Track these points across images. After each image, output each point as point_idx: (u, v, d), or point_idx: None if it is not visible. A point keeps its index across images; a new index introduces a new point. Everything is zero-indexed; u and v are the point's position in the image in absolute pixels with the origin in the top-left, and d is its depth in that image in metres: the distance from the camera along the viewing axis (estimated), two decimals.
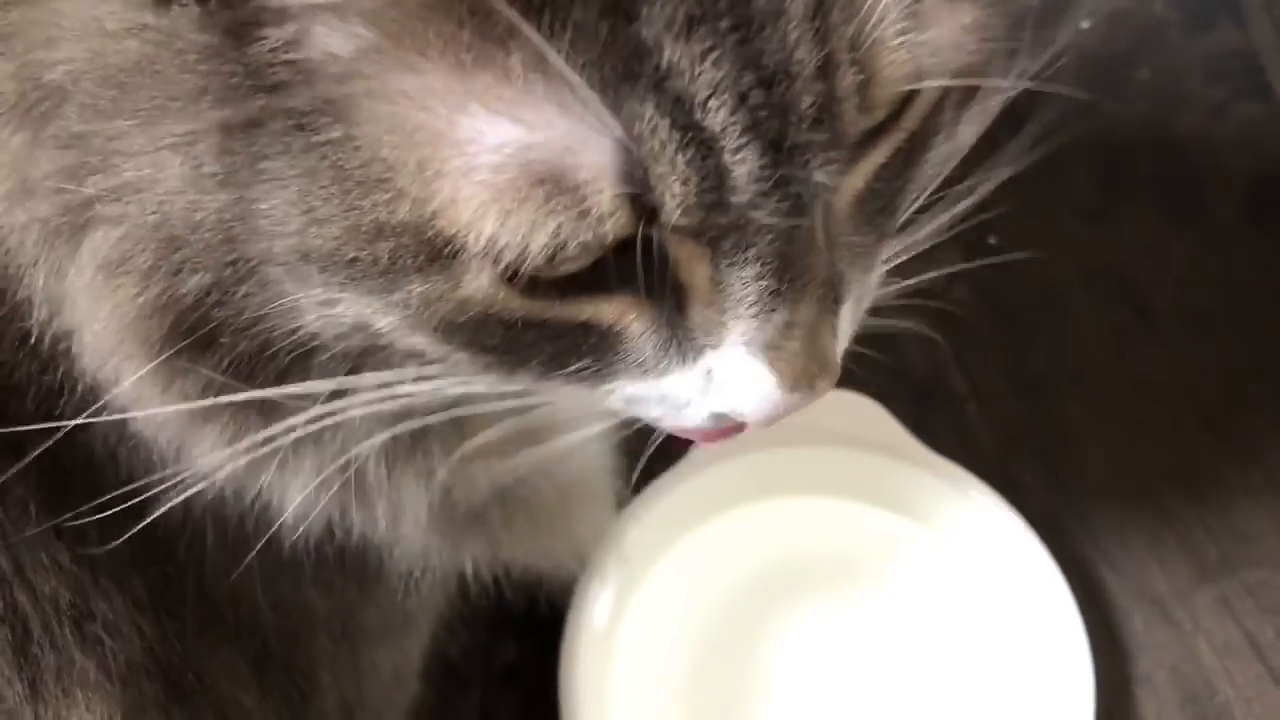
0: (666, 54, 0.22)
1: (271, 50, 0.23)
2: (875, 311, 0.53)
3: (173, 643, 0.34)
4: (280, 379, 0.28)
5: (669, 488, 0.47)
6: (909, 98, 0.26)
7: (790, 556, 0.48)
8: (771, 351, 0.26)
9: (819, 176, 0.24)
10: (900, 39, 0.24)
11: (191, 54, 0.23)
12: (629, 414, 0.29)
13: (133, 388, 0.27)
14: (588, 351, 0.27)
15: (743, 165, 0.23)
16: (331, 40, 0.22)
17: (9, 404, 0.30)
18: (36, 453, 0.29)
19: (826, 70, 0.23)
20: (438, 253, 0.24)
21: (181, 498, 0.29)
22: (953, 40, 0.26)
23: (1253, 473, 0.50)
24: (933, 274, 0.46)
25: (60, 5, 0.24)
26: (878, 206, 0.28)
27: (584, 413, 0.31)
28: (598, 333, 0.26)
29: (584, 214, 0.23)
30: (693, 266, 0.25)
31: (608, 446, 0.41)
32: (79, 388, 0.29)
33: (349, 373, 0.28)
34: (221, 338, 0.27)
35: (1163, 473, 0.50)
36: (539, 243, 0.23)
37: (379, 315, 0.25)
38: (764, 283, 0.25)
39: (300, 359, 0.28)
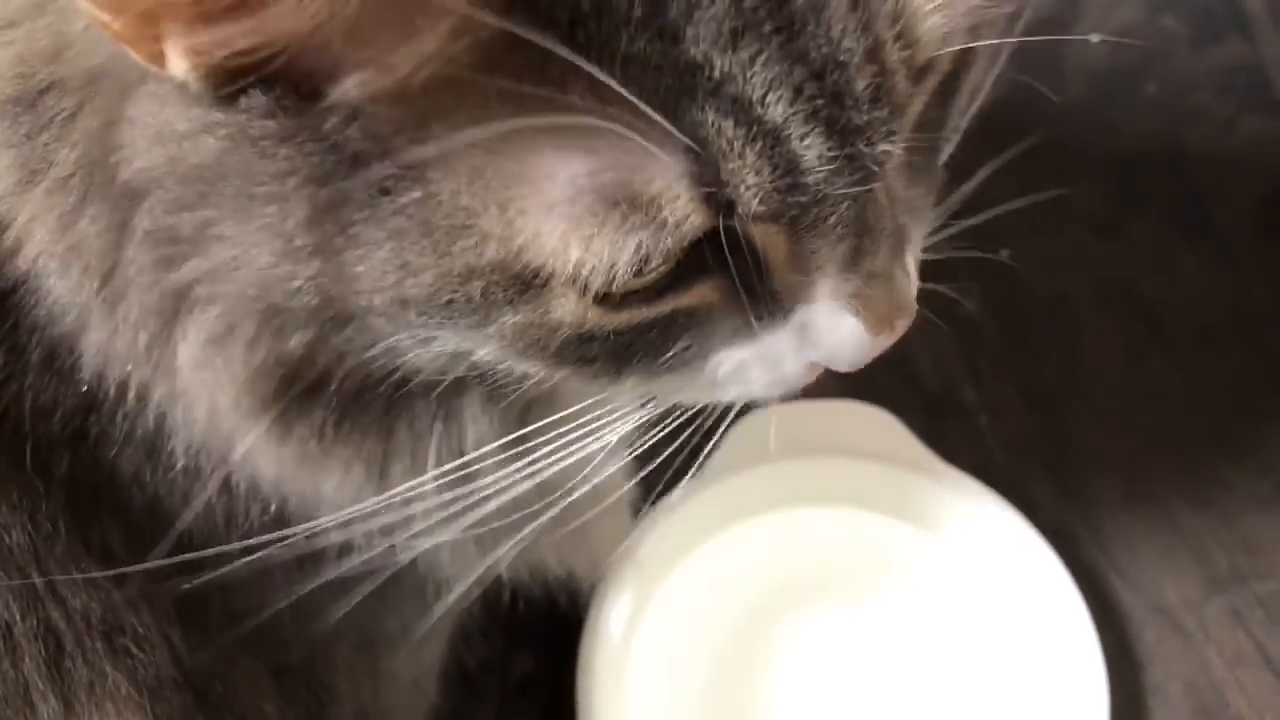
0: (717, 65, 0.23)
1: (345, 126, 0.24)
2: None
3: (199, 653, 0.35)
4: (387, 410, 0.30)
5: (686, 498, 0.48)
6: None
7: (805, 567, 0.49)
8: (857, 300, 0.28)
9: (883, 147, 0.26)
10: (932, 4, 0.26)
11: (268, 140, 0.24)
12: (729, 393, 0.31)
13: (256, 442, 0.29)
14: (683, 334, 0.29)
15: (811, 150, 0.25)
16: None
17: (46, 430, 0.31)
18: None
19: (875, 53, 0.25)
20: (527, 285, 0.25)
21: (342, 538, 0.32)
22: None
23: (1262, 484, 0.51)
24: (946, 286, 0.48)
25: (132, 112, 0.25)
26: (922, 159, 0.31)
27: (691, 400, 0.32)
28: (690, 317, 0.28)
29: (662, 224, 0.24)
30: (773, 241, 0.27)
31: (625, 454, 0.42)
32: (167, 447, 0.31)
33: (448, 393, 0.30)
34: (329, 383, 0.29)
35: (1173, 484, 0.52)
36: (625, 260, 0.25)
37: (477, 346, 0.27)
38: (845, 244, 0.27)
39: (401, 387, 0.30)
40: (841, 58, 0.24)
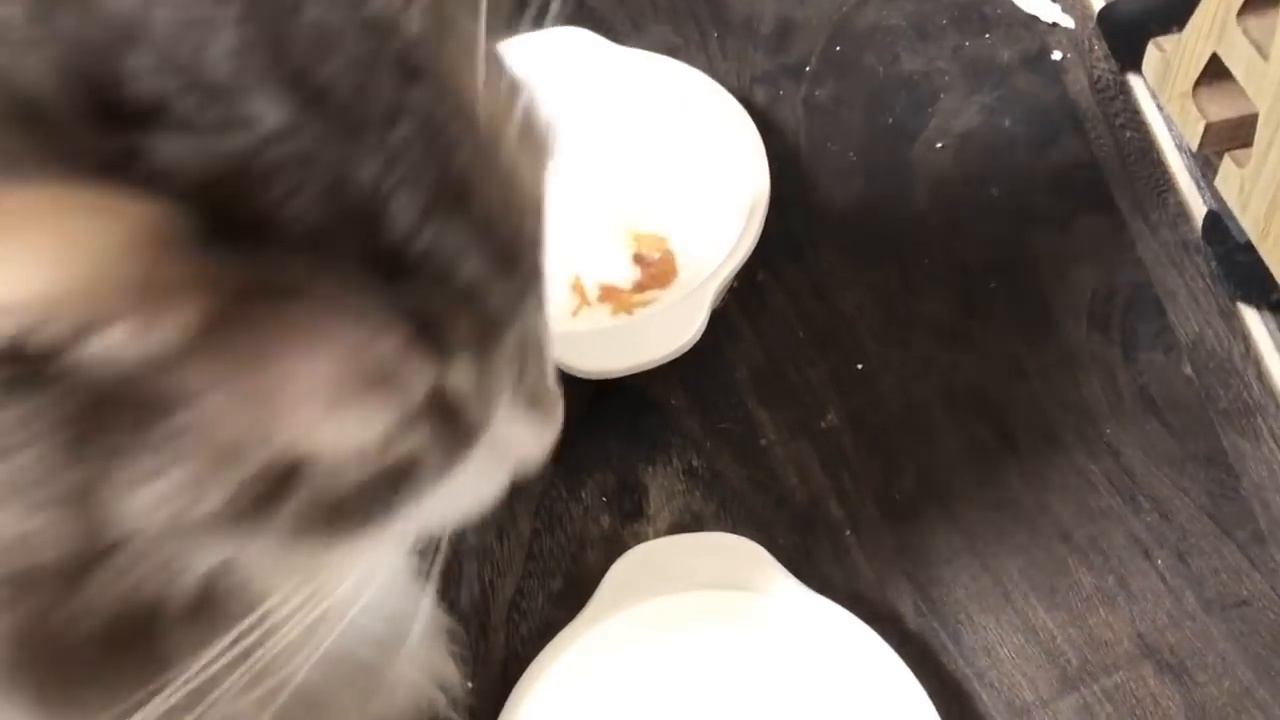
0: (418, 242, 0.27)
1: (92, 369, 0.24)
2: (763, 446, 0.60)
3: None
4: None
5: (566, 640, 0.53)
6: None
7: (688, 690, 0.54)
8: (530, 403, 0.33)
9: (534, 286, 0.31)
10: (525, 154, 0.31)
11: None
12: (443, 524, 0.35)
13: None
14: (410, 474, 0.31)
15: (499, 295, 0.29)
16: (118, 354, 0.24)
17: None
18: None
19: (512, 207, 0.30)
20: (283, 479, 0.28)
21: None
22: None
23: (1106, 580, 0.57)
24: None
25: None
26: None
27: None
28: (404, 465, 0.31)
29: (405, 390, 0.28)
30: (461, 379, 0.30)
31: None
32: None
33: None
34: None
35: (1025, 586, 0.57)
36: (375, 431, 0.28)
37: (253, 542, 0.29)
38: (517, 365, 0.32)
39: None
40: (502, 228, 0.29)
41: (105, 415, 0.25)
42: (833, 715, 0.53)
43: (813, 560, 0.57)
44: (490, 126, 0.29)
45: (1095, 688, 0.55)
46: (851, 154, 0.70)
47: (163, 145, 0.24)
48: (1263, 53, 0.55)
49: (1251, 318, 0.64)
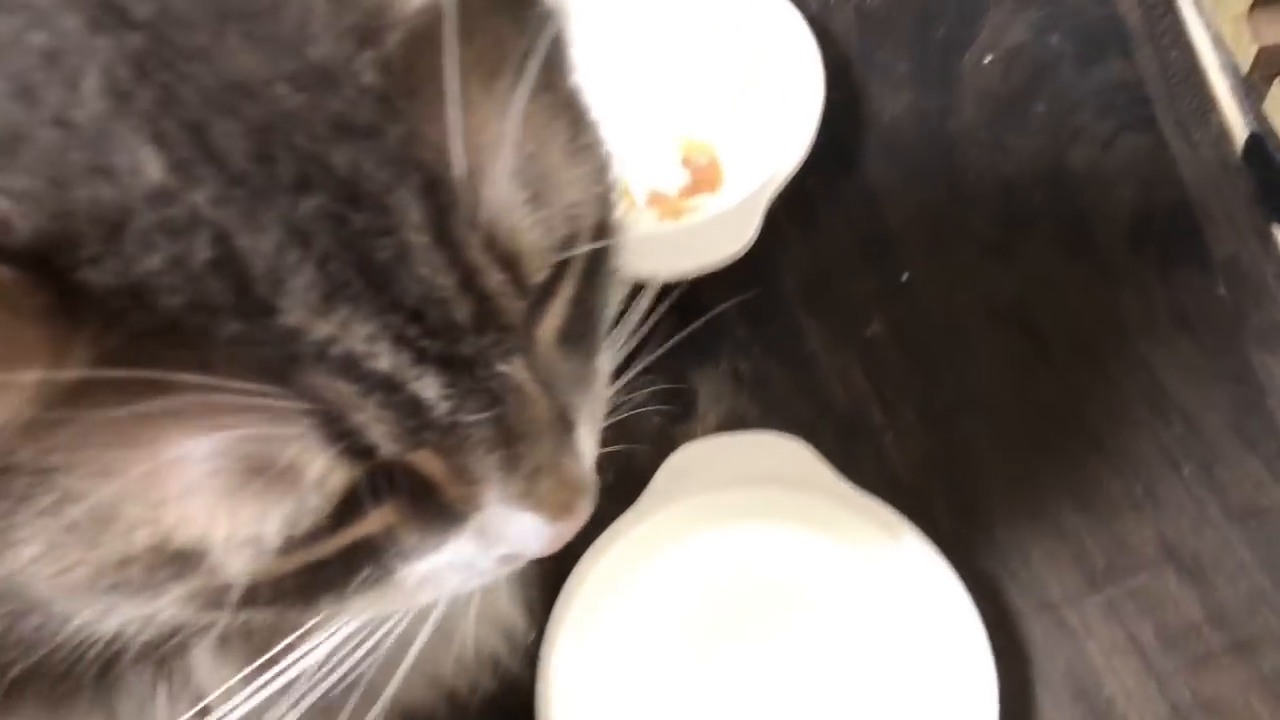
0: (317, 330, 0.25)
1: None
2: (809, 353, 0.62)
3: None
4: (101, 688, 0.32)
5: (623, 529, 0.56)
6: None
7: (732, 582, 0.57)
8: (526, 498, 0.30)
9: (501, 368, 0.27)
10: (534, 218, 0.28)
11: None
12: (431, 599, 0.33)
13: None
14: (367, 558, 0.30)
15: (429, 388, 0.26)
16: None
17: None
18: None
19: (469, 282, 0.26)
20: (186, 560, 0.27)
21: None
22: (585, 191, 0.30)
23: (1134, 487, 0.60)
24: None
25: None
26: (580, 329, 0.32)
27: (388, 612, 0.33)
28: (371, 541, 0.30)
29: (306, 485, 0.26)
30: (428, 464, 0.28)
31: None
32: None
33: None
34: (29, 677, 0.31)
35: (1056, 491, 0.60)
36: (275, 525, 0.26)
37: (158, 612, 0.29)
38: (495, 455, 0.29)
39: (110, 660, 0.31)
40: (436, 295, 0.26)
41: None
42: (873, 602, 0.57)
43: (853, 462, 0.60)
44: (467, 186, 0.26)
45: (1120, 588, 0.58)
46: (901, 65, 0.72)
47: (5, 204, 0.23)
48: None
49: None
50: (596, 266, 0.32)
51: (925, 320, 0.64)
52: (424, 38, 0.26)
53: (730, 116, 0.71)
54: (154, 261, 0.23)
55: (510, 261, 0.27)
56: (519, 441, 0.29)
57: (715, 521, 0.58)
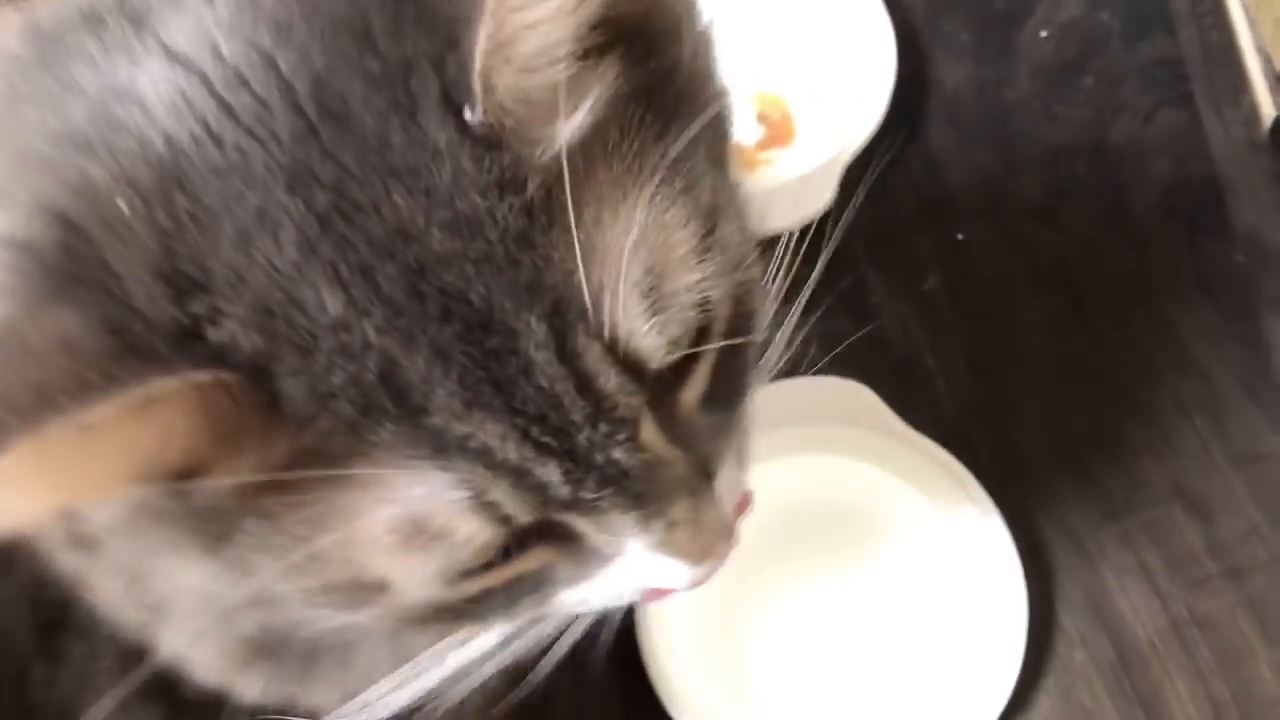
0: (457, 429, 0.31)
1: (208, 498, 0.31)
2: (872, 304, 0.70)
3: None
4: (340, 651, 0.41)
5: None
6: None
7: (797, 505, 0.66)
8: (666, 548, 0.35)
9: (617, 454, 0.32)
10: (653, 322, 0.32)
11: (157, 512, 0.32)
12: (583, 613, 0.40)
13: (246, 686, 0.41)
14: (529, 588, 0.36)
15: (552, 475, 0.32)
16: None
17: None
18: None
19: (586, 387, 0.31)
20: (376, 589, 0.34)
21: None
22: (714, 288, 0.34)
23: (1151, 432, 0.69)
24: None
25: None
26: (724, 390, 0.37)
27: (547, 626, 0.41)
28: (530, 576, 0.35)
29: (457, 543, 0.32)
30: (571, 521, 0.34)
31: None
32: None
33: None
34: (287, 643, 0.39)
35: (1083, 435, 0.69)
36: (433, 569, 0.33)
37: (365, 620, 0.36)
38: (631, 514, 0.33)
39: (343, 636, 0.39)
40: (554, 401, 0.31)
41: (225, 522, 0.32)
42: (921, 526, 0.66)
43: (908, 404, 0.69)
44: (590, 303, 0.31)
45: (1133, 520, 0.68)
46: (964, 35, 0.78)
47: (229, 327, 0.29)
48: None
49: None
50: (741, 346, 0.36)
51: (976, 277, 0.72)
52: (560, 178, 0.31)
53: (802, 77, 0.78)
54: (336, 377, 0.30)
55: (628, 364, 0.32)
56: (653, 502, 0.34)
57: (783, 453, 0.66)
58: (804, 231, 0.69)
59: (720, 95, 0.38)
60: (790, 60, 0.78)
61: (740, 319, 0.36)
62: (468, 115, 0.30)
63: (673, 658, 0.62)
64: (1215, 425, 0.70)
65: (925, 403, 0.69)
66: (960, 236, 0.73)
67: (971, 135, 0.76)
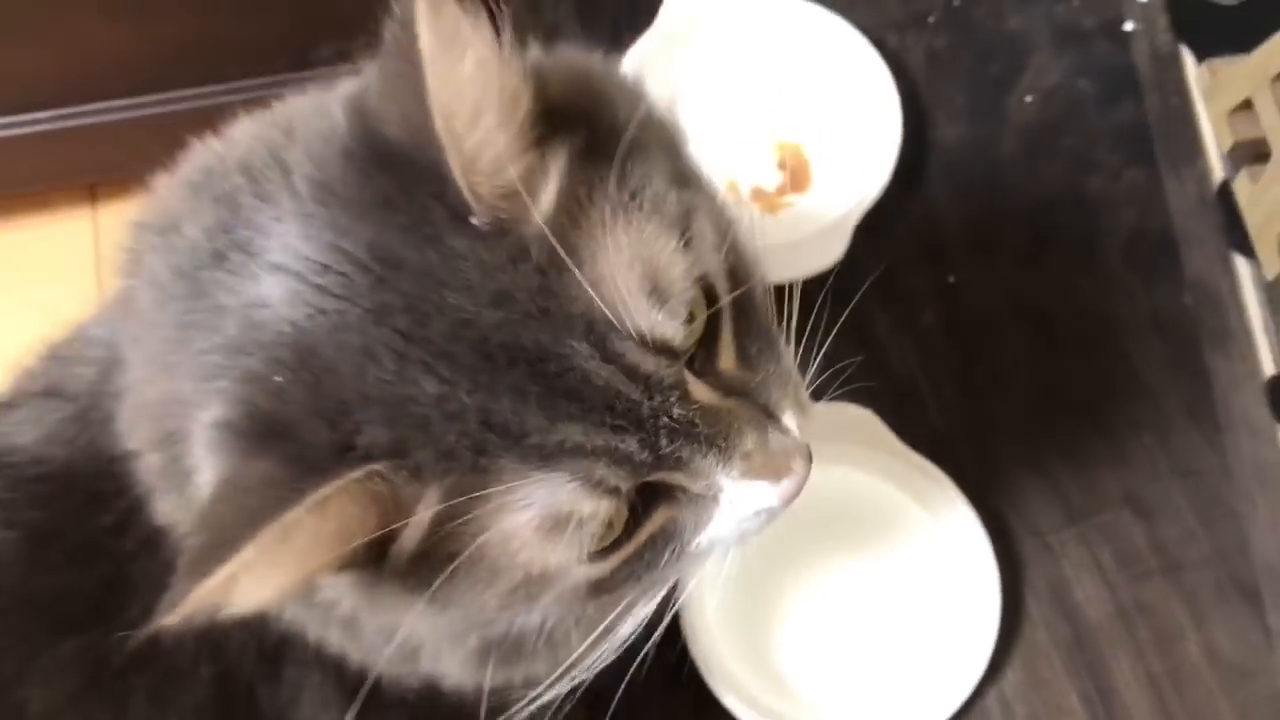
0: (551, 438, 0.40)
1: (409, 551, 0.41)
2: (877, 337, 0.83)
3: None
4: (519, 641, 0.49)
5: None
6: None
7: (809, 510, 0.79)
8: (749, 475, 0.44)
9: (676, 412, 0.42)
10: (665, 309, 0.41)
11: (375, 590, 0.43)
12: (717, 555, 0.49)
13: (458, 673, 0.50)
14: (665, 545, 0.46)
15: (631, 445, 0.41)
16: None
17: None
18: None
19: (633, 374, 0.41)
20: (544, 580, 0.43)
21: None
22: (707, 263, 0.44)
23: (1108, 448, 0.83)
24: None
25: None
26: (756, 345, 0.47)
27: (692, 574, 0.51)
28: (662, 534, 0.45)
29: (587, 520, 0.41)
30: (669, 478, 0.43)
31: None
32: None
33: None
34: (510, 637, 0.48)
35: (1050, 449, 0.83)
36: (578, 550, 0.42)
37: (547, 608, 0.45)
38: (710, 456, 0.43)
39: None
40: (614, 391, 0.40)
41: (422, 575, 0.42)
42: (913, 527, 0.79)
43: (905, 422, 0.82)
44: (610, 315, 0.40)
45: (1089, 522, 0.81)
46: (960, 98, 0.90)
47: (369, 432, 0.39)
48: None
49: (1241, 265, 0.86)
50: (745, 300, 0.46)
51: (966, 313, 0.85)
52: (557, 233, 0.40)
53: (818, 131, 0.90)
54: (451, 436, 0.39)
55: (658, 346, 0.41)
56: (722, 441, 0.43)
57: None
58: (816, 278, 0.82)
59: (669, 128, 0.48)
60: (808, 114, 0.90)
61: (736, 274, 0.46)
62: (474, 221, 0.40)
63: (710, 639, 0.76)
64: (1161, 443, 0.83)
65: (919, 420, 0.83)
66: (951, 279, 0.86)
67: (964, 188, 0.88)
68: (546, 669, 0.49)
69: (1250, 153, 0.82)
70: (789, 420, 0.46)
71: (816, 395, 0.84)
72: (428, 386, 0.39)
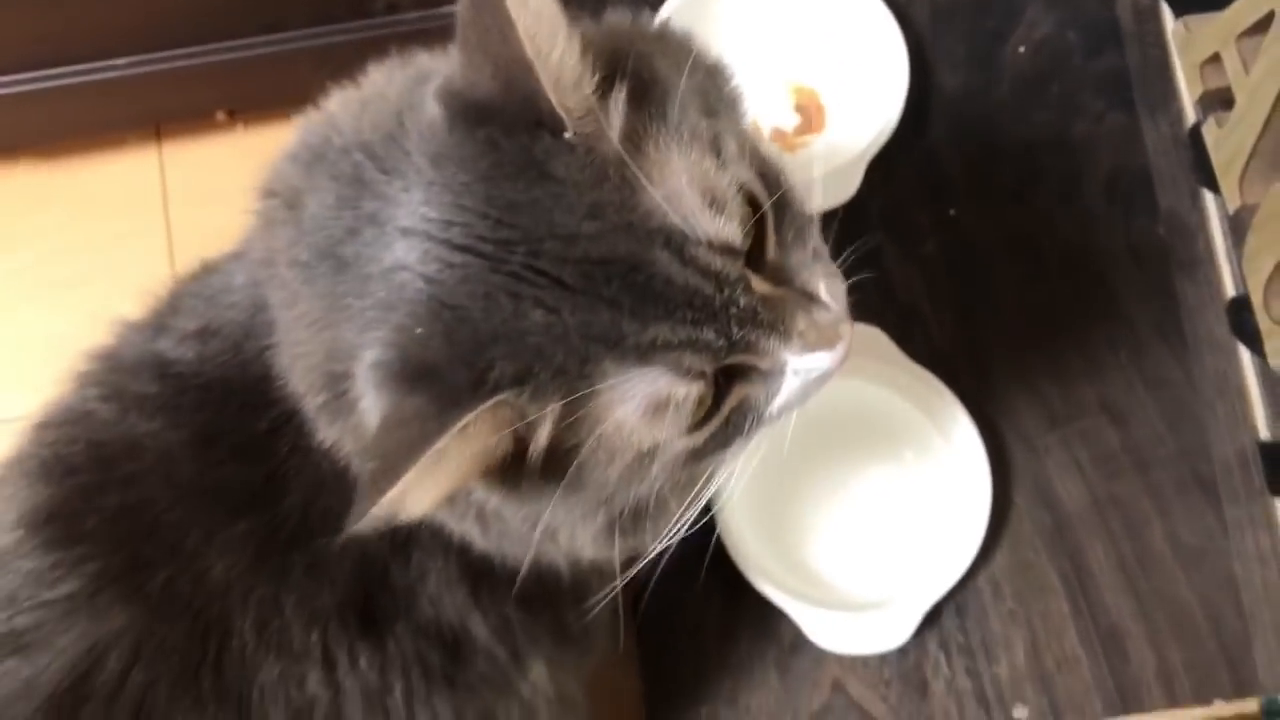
0: (646, 337, 0.47)
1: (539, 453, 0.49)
2: (884, 265, 0.94)
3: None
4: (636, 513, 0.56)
5: None
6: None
7: (829, 411, 0.91)
8: (805, 347, 0.52)
9: (743, 301, 0.49)
10: (723, 216, 0.49)
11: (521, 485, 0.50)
12: (791, 414, 0.57)
13: (591, 548, 0.57)
14: (745, 414, 0.53)
15: (709, 334, 0.48)
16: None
17: None
18: None
19: (707, 272, 0.48)
20: (650, 453, 0.51)
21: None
22: (745, 175, 0.51)
23: (1088, 363, 0.94)
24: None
25: None
26: (797, 240, 0.54)
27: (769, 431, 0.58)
28: (742, 406, 0.53)
29: (680, 401, 0.49)
30: (745, 359, 0.51)
31: None
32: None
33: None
34: (635, 513, 0.56)
35: (1037, 363, 0.94)
36: (677, 426, 0.50)
37: (656, 477, 0.53)
38: (772, 336, 0.51)
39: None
40: (693, 289, 0.48)
41: (556, 468, 0.50)
42: (918, 430, 0.91)
43: (909, 340, 0.93)
44: (680, 224, 0.47)
45: (1070, 428, 0.93)
46: (960, 49, 1.00)
47: (499, 367, 0.46)
48: (1246, 67, 0.85)
49: (1209, 198, 0.97)
50: (784, 202, 0.53)
51: (963, 244, 0.96)
52: (625, 161, 0.47)
53: (832, 78, 0.99)
54: (560, 354, 0.47)
55: (724, 249, 0.49)
56: (781, 323, 0.51)
57: None
58: (832, 211, 0.92)
59: (699, 70, 0.54)
60: (823, 62, 1.00)
61: (766, 178, 0.53)
62: (566, 136, 0.47)
63: (741, 533, 0.88)
64: (1134, 358, 0.94)
65: (923, 339, 0.94)
66: (952, 212, 0.97)
67: (963, 131, 0.98)
68: (646, 540, 0.58)
69: (1218, 100, 0.92)
70: (826, 295, 0.54)
71: None
72: (538, 318, 0.47)
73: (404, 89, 0.53)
